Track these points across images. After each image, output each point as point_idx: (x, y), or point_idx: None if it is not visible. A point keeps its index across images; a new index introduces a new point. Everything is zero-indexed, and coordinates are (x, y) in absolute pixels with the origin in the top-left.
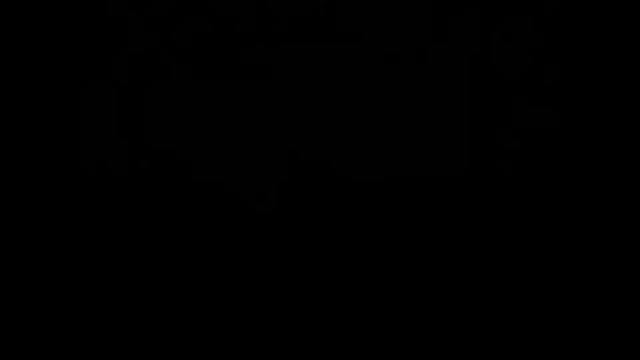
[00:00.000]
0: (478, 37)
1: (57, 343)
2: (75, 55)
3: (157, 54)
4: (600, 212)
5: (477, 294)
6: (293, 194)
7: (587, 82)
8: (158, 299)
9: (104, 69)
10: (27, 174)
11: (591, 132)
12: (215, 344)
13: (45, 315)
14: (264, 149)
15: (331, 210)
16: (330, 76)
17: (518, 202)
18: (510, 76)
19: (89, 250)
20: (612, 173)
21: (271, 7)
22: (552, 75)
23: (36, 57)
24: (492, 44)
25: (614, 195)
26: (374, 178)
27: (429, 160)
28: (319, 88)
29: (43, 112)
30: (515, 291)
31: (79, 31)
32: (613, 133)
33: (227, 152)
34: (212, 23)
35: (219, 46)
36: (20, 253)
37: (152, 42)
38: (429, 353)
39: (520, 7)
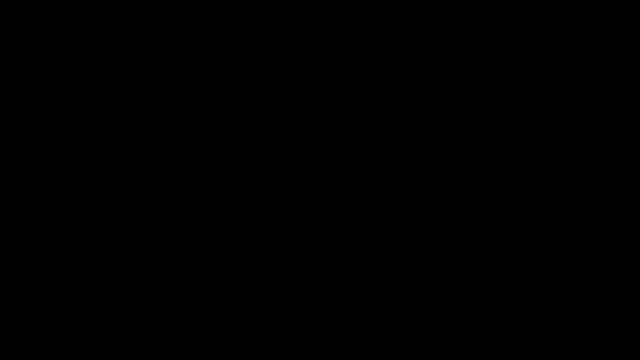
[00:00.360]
0: None
1: (57, 343)
2: (75, 55)
3: (157, 53)
4: (600, 212)
5: (477, 294)
6: (293, 194)
7: (587, 82)
8: (158, 299)
9: (104, 69)
10: (26, 174)
11: (591, 132)
12: (215, 343)
13: (46, 315)
14: (264, 148)
15: (331, 210)
16: (330, 76)
17: (518, 202)
18: None
19: (89, 250)
20: (613, 173)
21: None
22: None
23: (35, 57)
24: None
25: (615, 194)
26: (374, 178)
27: (429, 161)
28: (319, 88)
29: (42, 112)
30: (515, 291)
31: (78, 31)
32: (613, 133)
33: (227, 152)
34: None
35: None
36: (20, 253)
37: (152, 42)
38: (430, 353)
39: None
